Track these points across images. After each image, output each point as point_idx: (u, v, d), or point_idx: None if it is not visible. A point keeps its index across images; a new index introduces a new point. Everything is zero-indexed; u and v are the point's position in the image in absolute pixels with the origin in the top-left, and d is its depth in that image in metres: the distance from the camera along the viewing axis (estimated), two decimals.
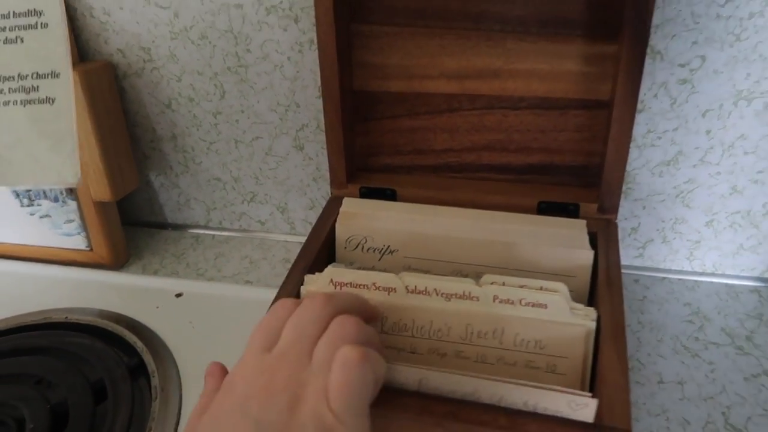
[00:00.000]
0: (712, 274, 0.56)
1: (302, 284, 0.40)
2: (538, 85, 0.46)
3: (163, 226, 0.68)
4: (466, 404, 0.32)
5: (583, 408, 0.30)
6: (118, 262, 0.62)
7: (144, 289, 0.58)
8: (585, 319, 0.36)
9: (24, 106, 0.46)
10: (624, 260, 0.56)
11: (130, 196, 0.66)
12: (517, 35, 0.45)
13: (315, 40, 0.50)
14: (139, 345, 0.51)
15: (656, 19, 0.44)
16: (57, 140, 0.47)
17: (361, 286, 0.39)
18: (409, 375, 0.33)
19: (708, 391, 0.45)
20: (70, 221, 0.59)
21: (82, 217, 0.59)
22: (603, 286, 0.39)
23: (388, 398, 0.32)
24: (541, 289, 0.37)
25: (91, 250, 0.61)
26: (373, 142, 0.51)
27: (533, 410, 0.31)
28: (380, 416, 0.31)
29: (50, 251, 0.62)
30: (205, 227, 0.67)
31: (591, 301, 0.41)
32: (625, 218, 0.54)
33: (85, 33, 0.55)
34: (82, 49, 0.56)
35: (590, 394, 0.30)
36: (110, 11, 0.54)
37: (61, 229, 0.60)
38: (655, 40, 0.45)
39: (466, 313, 0.37)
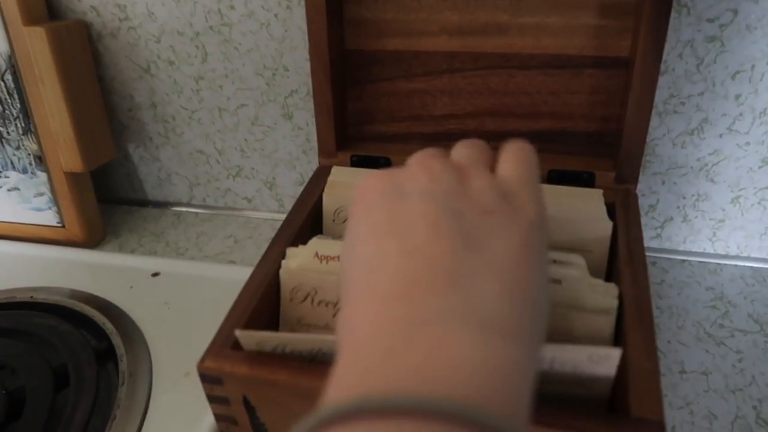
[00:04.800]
0: (737, 257, 0.51)
1: (284, 258, 0.36)
2: (549, 41, 0.41)
3: (144, 203, 0.64)
4: None
5: (605, 360, 0.25)
6: (92, 240, 0.57)
7: (118, 268, 0.53)
8: (606, 296, 0.31)
9: None
10: None
11: (107, 172, 0.62)
12: None
13: None
14: (108, 327, 0.46)
15: None
16: None
17: None
18: None
19: (736, 383, 0.41)
20: (41, 194, 0.55)
21: (52, 190, 0.55)
22: (624, 263, 0.34)
23: None
24: (554, 262, 0.33)
25: (63, 226, 0.56)
26: (365, 107, 0.47)
27: (551, 365, 0.26)
28: None
29: (19, 228, 0.57)
30: (188, 204, 0.63)
31: (609, 279, 0.37)
32: (642, 194, 0.50)
33: None
34: (53, 7, 0.52)
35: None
36: None
37: (31, 204, 0.56)
38: None
39: None
